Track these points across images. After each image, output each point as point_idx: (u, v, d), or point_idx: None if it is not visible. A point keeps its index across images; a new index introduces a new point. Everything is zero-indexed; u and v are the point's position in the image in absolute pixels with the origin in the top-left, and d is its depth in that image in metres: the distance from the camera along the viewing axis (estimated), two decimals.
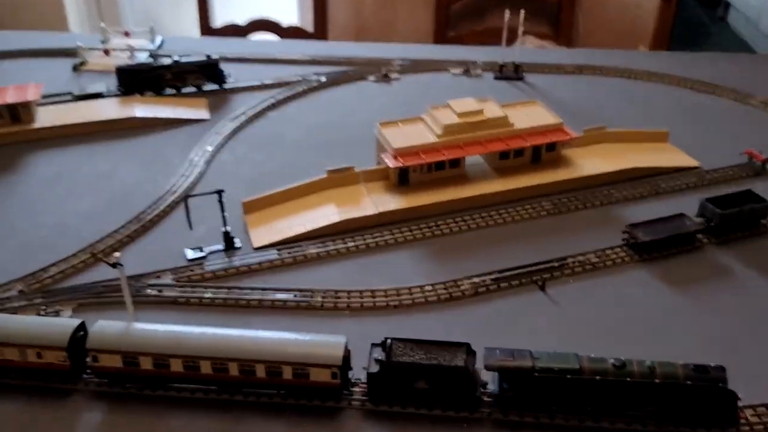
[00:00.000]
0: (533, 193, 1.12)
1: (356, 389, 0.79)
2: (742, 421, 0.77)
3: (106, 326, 0.77)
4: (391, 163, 1.06)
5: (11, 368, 0.80)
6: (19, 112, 1.29)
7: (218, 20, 2.93)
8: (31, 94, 1.28)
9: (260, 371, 0.76)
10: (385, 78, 1.54)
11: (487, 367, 0.77)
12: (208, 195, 0.98)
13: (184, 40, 1.77)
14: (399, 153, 1.08)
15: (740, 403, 0.77)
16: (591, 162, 1.18)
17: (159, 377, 0.78)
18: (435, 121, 1.14)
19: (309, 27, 2.90)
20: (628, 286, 0.95)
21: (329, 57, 1.63)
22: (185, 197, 0.97)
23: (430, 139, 1.11)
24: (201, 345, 0.76)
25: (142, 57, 1.61)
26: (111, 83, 1.51)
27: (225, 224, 1.00)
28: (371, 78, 1.55)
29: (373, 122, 1.34)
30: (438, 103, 1.39)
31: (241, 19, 2.93)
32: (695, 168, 1.22)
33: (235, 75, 1.51)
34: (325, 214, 1.06)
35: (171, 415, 0.78)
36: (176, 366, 0.76)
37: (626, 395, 0.73)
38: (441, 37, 3.00)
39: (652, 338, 0.86)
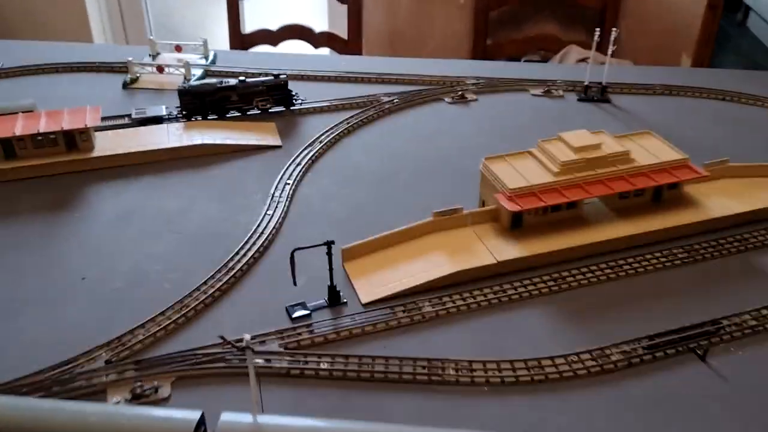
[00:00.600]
0: (660, 237, 1.00)
1: None
2: None
3: (233, 423, 0.65)
4: (507, 205, 0.94)
5: None
6: (76, 139, 1.16)
7: (248, 26, 2.80)
8: (90, 120, 1.15)
9: None
10: (462, 99, 1.41)
11: None
12: (316, 247, 0.85)
13: (235, 54, 1.64)
14: (515, 194, 0.95)
15: None
16: (718, 201, 1.05)
17: None
18: (549, 156, 1.01)
19: (341, 33, 2.78)
20: None
21: (393, 74, 1.50)
22: (292, 252, 0.84)
23: (547, 178, 0.98)
24: None
25: (197, 73, 1.48)
26: (169, 103, 1.38)
27: (332, 279, 0.87)
28: (447, 99, 1.42)
29: (457, 149, 1.23)
30: (524, 126, 1.27)
31: (272, 25, 2.80)
32: None
33: (297, 93, 1.38)
34: (436, 263, 0.93)
35: None
36: None
37: None
38: (479, 44, 2.88)
39: None
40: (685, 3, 2.78)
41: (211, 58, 1.55)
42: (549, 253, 0.94)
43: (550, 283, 0.92)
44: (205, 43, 1.56)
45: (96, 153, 1.15)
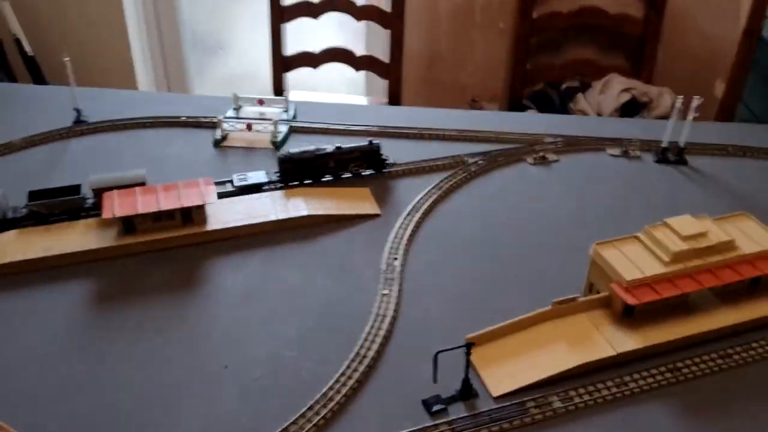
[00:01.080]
0: (761, 323, 1.05)
1: None
2: None
3: None
4: (626, 298, 0.98)
5: None
6: (192, 213, 1.20)
7: (289, 49, 2.84)
8: (206, 195, 1.19)
9: None
10: (543, 160, 1.45)
11: None
12: (455, 349, 0.90)
13: (311, 106, 1.67)
14: (631, 286, 0.99)
15: None
16: None
17: None
18: (658, 244, 1.05)
19: (381, 56, 2.81)
20: None
21: (471, 130, 1.54)
22: (435, 354, 0.89)
23: (659, 268, 1.02)
24: None
25: (283, 130, 1.52)
26: (259, 163, 1.42)
27: (467, 374, 0.92)
28: (529, 160, 1.46)
29: (551, 217, 1.27)
30: (609, 192, 1.31)
31: (313, 48, 2.84)
32: None
33: (388, 156, 1.42)
34: (558, 353, 0.98)
35: None
36: None
37: None
38: (519, 70, 2.91)
39: None
40: (722, 30, 2.81)
41: (292, 112, 1.58)
42: (664, 343, 0.99)
43: (668, 375, 0.96)
44: (287, 98, 1.59)
45: (210, 226, 1.20)
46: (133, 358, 1.00)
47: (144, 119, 1.57)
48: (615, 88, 2.59)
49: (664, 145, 1.47)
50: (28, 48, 2.77)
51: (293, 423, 0.88)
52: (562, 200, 1.35)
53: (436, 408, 0.91)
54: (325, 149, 1.34)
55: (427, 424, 0.89)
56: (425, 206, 1.30)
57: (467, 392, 0.93)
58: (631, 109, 2.63)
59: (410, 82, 3.02)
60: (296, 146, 1.49)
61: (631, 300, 0.99)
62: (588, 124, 1.60)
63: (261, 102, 1.59)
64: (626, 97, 2.57)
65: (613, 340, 0.99)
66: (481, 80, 3.12)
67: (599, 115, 2.63)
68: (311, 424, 0.88)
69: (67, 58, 1.49)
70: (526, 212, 1.31)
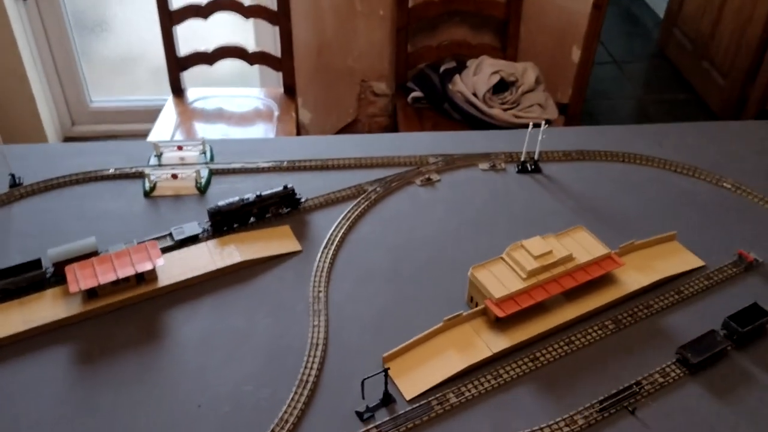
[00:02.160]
0: (596, 311, 1.42)
1: None
2: None
3: None
4: (496, 311, 1.32)
5: None
6: (144, 274, 1.43)
7: (183, 49, 2.97)
8: (154, 259, 1.42)
9: None
10: (429, 181, 1.75)
11: None
12: (376, 375, 1.20)
13: (227, 143, 1.87)
14: (500, 301, 1.34)
15: None
16: (630, 276, 1.47)
17: None
18: (517, 263, 1.39)
19: (272, 50, 2.99)
20: (690, 399, 1.28)
21: (365, 157, 1.81)
22: (362, 381, 1.19)
23: (519, 284, 1.36)
24: None
25: (204, 174, 1.74)
26: (187, 210, 1.64)
27: (386, 386, 1.23)
28: (417, 182, 1.76)
29: (438, 238, 1.57)
30: (482, 206, 1.63)
31: (207, 46, 2.98)
32: (702, 267, 1.56)
33: (301, 195, 1.67)
34: (451, 359, 1.30)
35: None
36: None
37: None
38: (401, 52, 3.17)
39: None
40: (575, 3, 3.17)
41: (209, 154, 1.80)
42: (526, 340, 1.34)
43: (530, 364, 1.32)
44: (204, 142, 1.80)
45: (161, 283, 1.43)
46: (121, 406, 1.24)
47: (75, 175, 1.74)
48: (486, 71, 2.92)
49: (522, 157, 1.81)
50: None
51: None
52: (446, 220, 1.66)
53: (366, 416, 1.23)
54: (248, 198, 1.58)
55: (361, 430, 1.21)
56: (337, 238, 1.58)
57: (387, 400, 1.25)
58: (501, 86, 2.97)
59: (303, 71, 3.23)
60: (218, 188, 1.73)
61: (499, 313, 1.33)
62: (462, 140, 1.90)
63: (180, 147, 1.79)
64: (496, 78, 2.91)
65: (490, 343, 1.34)
66: (369, 64, 3.36)
67: (474, 94, 2.95)
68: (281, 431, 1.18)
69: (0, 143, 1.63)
70: (419, 235, 1.62)
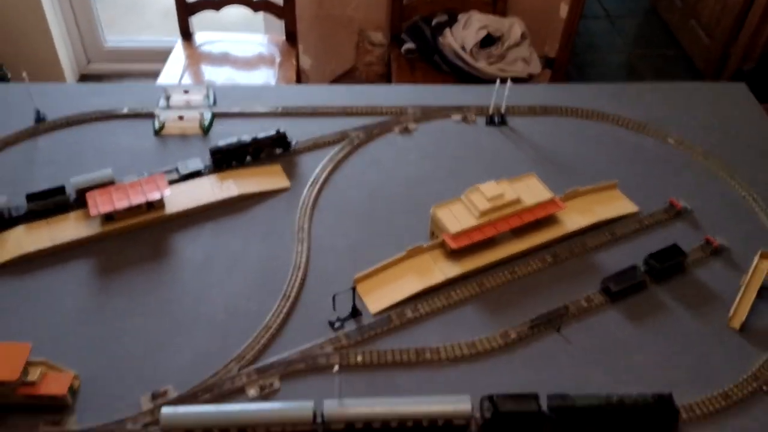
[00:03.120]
0: (539, 247, 1.63)
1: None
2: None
3: (331, 406, 1.23)
4: (451, 244, 1.53)
5: None
6: (153, 202, 1.63)
7: None
8: (162, 190, 1.62)
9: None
10: (406, 130, 1.94)
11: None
12: (345, 292, 1.42)
13: (229, 89, 2.05)
14: (454, 236, 1.54)
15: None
16: (571, 218, 1.66)
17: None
18: (472, 204, 1.58)
19: None
20: (608, 322, 1.49)
21: (352, 106, 1.99)
22: (333, 296, 1.41)
23: (472, 221, 1.56)
24: (374, 413, 1.23)
25: (207, 117, 1.92)
26: (192, 147, 1.83)
27: (354, 301, 1.45)
28: (396, 130, 1.94)
29: (411, 180, 1.76)
30: (452, 153, 1.81)
31: None
32: (637, 212, 1.75)
33: (292, 138, 1.86)
34: (411, 282, 1.52)
35: None
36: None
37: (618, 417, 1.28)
38: (396, 4, 3.28)
39: (626, 360, 1.41)
40: None
41: (212, 98, 1.98)
42: (476, 269, 1.56)
43: (477, 288, 1.54)
44: (208, 86, 1.98)
45: (168, 210, 1.64)
46: (132, 313, 1.47)
47: (93, 113, 1.92)
48: (474, 26, 3.05)
49: (490, 111, 1.99)
50: None
51: (250, 343, 1.40)
52: (419, 164, 1.86)
53: (336, 325, 1.45)
54: (245, 140, 1.77)
55: (331, 336, 1.43)
56: (322, 178, 1.78)
57: (354, 313, 1.48)
58: (488, 41, 3.11)
59: (305, 19, 3.36)
60: (219, 129, 1.92)
61: (454, 245, 1.54)
62: (440, 93, 2.07)
63: (186, 91, 1.97)
64: (483, 33, 3.04)
65: (444, 270, 1.55)
66: (366, 14, 3.48)
67: (463, 48, 3.09)
68: (261, 341, 1.40)
69: (25, 73, 1.82)
70: (394, 177, 1.81)
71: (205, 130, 1.90)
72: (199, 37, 3.28)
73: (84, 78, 3.77)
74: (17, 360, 1.24)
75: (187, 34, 3.26)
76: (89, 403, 1.30)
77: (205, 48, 3.26)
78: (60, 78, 3.60)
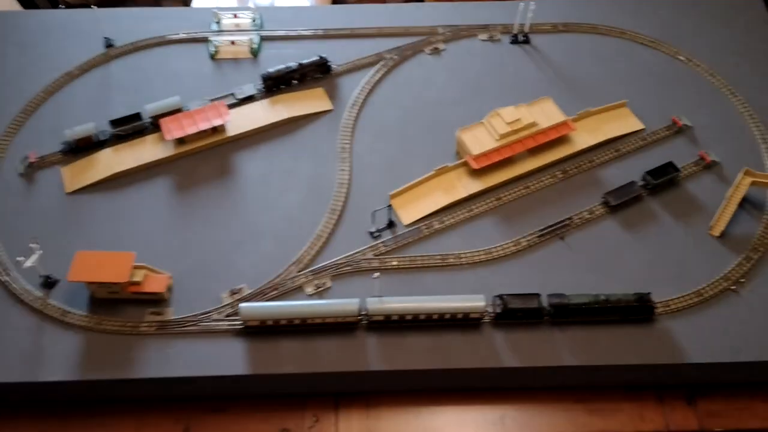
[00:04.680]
0: (551, 164, 1.85)
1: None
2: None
3: (373, 302, 1.53)
4: (473, 164, 1.76)
5: None
6: (217, 127, 1.88)
7: None
8: (226, 116, 1.86)
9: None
10: (436, 51, 2.10)
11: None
12: (382, 209, 1.68)
13: (274, 11, 2.20)
14: (476, 157, 1.77)
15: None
16: (581, 137, 1.84)
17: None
18: (493, 128, 1.78)
19: None
20: (606, 231, 1.73)
21: (386, 27, 2.13)
22: (373, 212, 1.68)
23: (493, 144, 1.77)
24: (407, 308, 1.53)
25: (256, 40, 2.11)
26: (244, 71, 2.03)
27: (389, 215, 1.73)
28: (427, 51, 2.11)
29: (440, 100, 1.91)
30: (479, 73, 1.98)
31: None
32: (642, 130, 1.94)
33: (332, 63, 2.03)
34: (437, 197, 1.75)
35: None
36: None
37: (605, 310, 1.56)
38: None
39: (617, 263, 1.67)
40: None
41: (259, 21, 2.16)
42: (494, 185, 1.80)
43: (495, 202, 1.79)
44: (255, 10, 2.16)
45: (229, 132, 1.89)
46: (209, 222, 1.77)
47: (153, 39, 2.12)
48: None
49: (515, 30, 2.13)
50: None
51: (306, 249, 1.70)
52: (447, 85, 2.04)
53: (375, 235, 1.74)
54: (291, 66, 1.98)
55: (371, 244, 1.72)
56: (360, 100, 1.99)
57: (390, 225, 1.75)
58: None
59: None
60: (267, 52, 2.12)
61: (475, 165, 1.77)
62: (467, 11, 2.19)
63: (235, 15, 2.15)
64: None
65: (467, 186, 1.80)
66: None
67: None
68: (314, 247, 1.70)
69: (95, 7, 2.02)
70: (425, 98, 2.01)
71: (255, 54, 2.10)
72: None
73: None
74: (125, 265, 1.56)
75: None
76: (181, 297, 1.63)
77: None
78: None
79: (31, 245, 1.53)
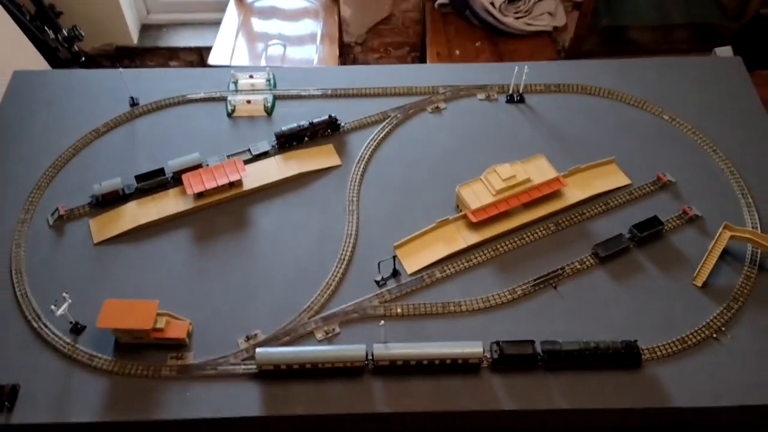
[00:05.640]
0: (544, 217, 1.97)
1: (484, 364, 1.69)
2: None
3: (379, 348, 1.65)
4: (471, 218, 1.89)
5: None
6: (234, 181, 2.01)
7: None
8: (241, 172, 1.99)
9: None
10: (437, 109, 2.25)
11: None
12: (388, 260, 1.80)
13: (286, 71, 2.37)
14: (474, 211, 1.90)
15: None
16: (572, 192, 1.98)
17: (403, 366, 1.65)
18: (490, 184, 1.91)
19: None
20: (596, 281, 1.84)
21: (389, 87, 2.27)
22: (378, 263, 1.80)
23: (490, 199, 1.90)
24: (410, 353, 1.64)
25: (270, 99, 2.26)
26: (259, 128, 2.18)
27: (394, 265, 1.84)
28: (428, 110, 2.26)
29: (443, 156, 2.06)
30: (478, 131, 2.11)
31: None
32: (629, 185, 2.07)
33: (341, 121, 2.18)
34: (438, 248, 1.89)
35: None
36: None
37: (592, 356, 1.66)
38: None
39: (605, 312, 1.78)
40: None
41: (272, 81, 2.31)
42: (492, 237, 1.92)
43: (492, 253, 1.91)
44: (269, 71, 2.31)
45: (246, 187, 2.02)
46: (222, 271, 1.89)
47: (175, 98, 2.28)
48: None
49: (510, 90, 2.28)
50: None
51: (315, 297, 1.82)
52: (448, 141, 2.18)
53: (381, 284, 1.85)
54: (303, 124, 2.12)
55: (377, 292, 1.84)
56: (367, 156, 2.13)
57: (395, 273, 1.87)
58: None
59: None
60: (280, 110, 2.27)
61: (474, 219, 1.90)
62: (467, 72, 2.35)
63: (251, 76, 2.31)
64: None
65: (466, 238, 1.92)
66: None
67: (492, 4, 3.30)
68: (324, 295, 1.82)
69: (121, 70, 2.18)
70: (427, 153, 2.15)
71: (269, 112, 2.24)
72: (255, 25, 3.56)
73: (145, 28, 4.08)
74: (150, 313, 1.68)
75: None
76: (200, 342, 1.75)
77: (256, 4, 3.54)
78: (125, 28, 3.92)
79: (63, 295, 1.64)
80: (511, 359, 1.64)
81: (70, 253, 1.89)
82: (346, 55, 4.05)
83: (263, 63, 3.15)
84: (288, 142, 2.11)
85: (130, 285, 1.83)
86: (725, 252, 1.85)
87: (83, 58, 3.54)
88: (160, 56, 4.01)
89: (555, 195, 1.99)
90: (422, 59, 3.94)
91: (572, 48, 4.07)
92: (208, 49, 3.36)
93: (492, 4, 3.25)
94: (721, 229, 1.87)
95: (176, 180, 2.01)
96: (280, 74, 2.36)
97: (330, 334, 1.75)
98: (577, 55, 4.12)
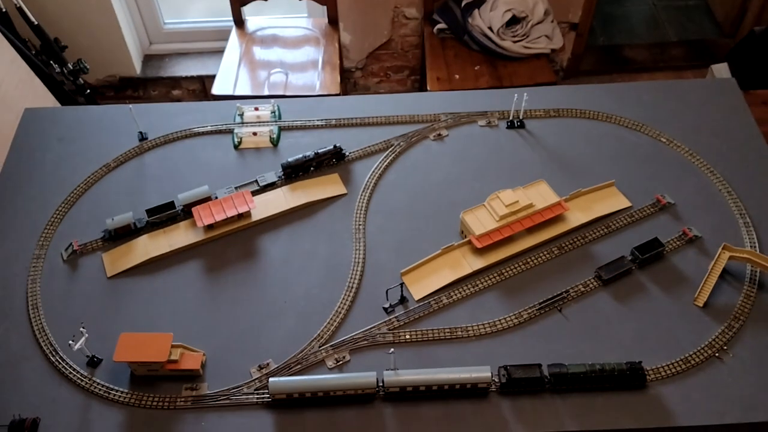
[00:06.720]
0: (547, 241, 2.03)
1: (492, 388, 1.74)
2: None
3: (389, 375, 1.70)
4: (476, 244, 1.95)
5: None
6: (242, 213, 2.08)
7: None
8: (251, 204, 2.06)
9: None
10: (439, 137, 2.32)
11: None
12: (395, 287, 1.86)
13: (290, 102, 2.44)
14: (479, 237, 1.96)
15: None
16: (574, 215, 2.04)
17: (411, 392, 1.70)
18: (493, 210, 1.98)
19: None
20: (599, 303, 1.90)
21: (392, 115, 2.35)
22: (386, 290, 1.86)
23: (493, 224, 1.97)
24: (420, 380, 1.70)
25: (275, 130, 2.34)
26: (265, 159, 2.25)
27: (402, 291, 1.90)
28: (431, 137, 2.33)
29: (445, 183, 2.13)
30: (479, 157, 2.19)
31: None
32: (629, 207, 2.13)
33: (345, 150, 2.25)
34: (445, 274, 1.95)
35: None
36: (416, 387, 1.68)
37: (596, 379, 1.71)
38: None
39: (610, 333, 1.84)
40: None
41: (277, 112, 2.38)
42: (496, 261, 1.98)
43: (497, 277, 1.97)
44: (274, 103, 2.38)
45: (254, 218, 2.09)
46: (237, 302, 1.95)
47: (184, 131, 2.35)
48: (500, 9, 3.34)
49: (511, 116, 2.35)
50: (31, 17, 3.32)
51: (325, 325, 1.87)
52: (450, 168, 2.25)
53: (389, 311, 1.91)
54: (309, 155, 2.19)
55: (386, 319, 1.89)
56: (372, 184, 2.20)
57: (402, 300, 1.93)
58: (515, 19, 3.39)
59: (344, 1, 3.66)
60: (286, 141, 2.33)
61: (478, 245, 1.96)
62: (467, 99, 2.42)
63: (256, 108, 2.38)
64: (508, 15, 3.33)
65: (472, 263, 1.98)
66: None
67: (490, 28, 3.39)
68: (333, 324, 1.87)
69: (131, 106, 2.25)
70: (430, 180, 2.22)
71: (275, 143, 2.31)
72: (251, 23, 3.65)
73: (148, 58, 4.17)
74: (165, 345, 1.74)
75: (240, 22, 3.62)
76: (214, 373, 1.80)
77: (257, 33, 3.63)
78: (128, 59, 4.01)
79: (81, 329, 1.70)
80: (519, 383, 1.69)
81: (85, 287, 1.95)
82: (347, 80, 4.14)
83: (266, 91, 3.22)
84: (294, 172, 2.17)
85: (143, 317, 1.89)
86: (725, 272, 1.91)
87: (88, 90, 3.62)
88: (163, 85, 4.10)
89: (557, 219, 2.05)
90: (422, 82, 4.02)
91: (570, 67, 4.16)
92: (211, 77, 3.45)
93: (490, 28, 3.34)
94: (720, 249, 1.92)
95: (186, 213, 2.07)
96: (285, 106, 2.43)
97: (340, 362, 1.80)
98: (575, 74, 4.21)
